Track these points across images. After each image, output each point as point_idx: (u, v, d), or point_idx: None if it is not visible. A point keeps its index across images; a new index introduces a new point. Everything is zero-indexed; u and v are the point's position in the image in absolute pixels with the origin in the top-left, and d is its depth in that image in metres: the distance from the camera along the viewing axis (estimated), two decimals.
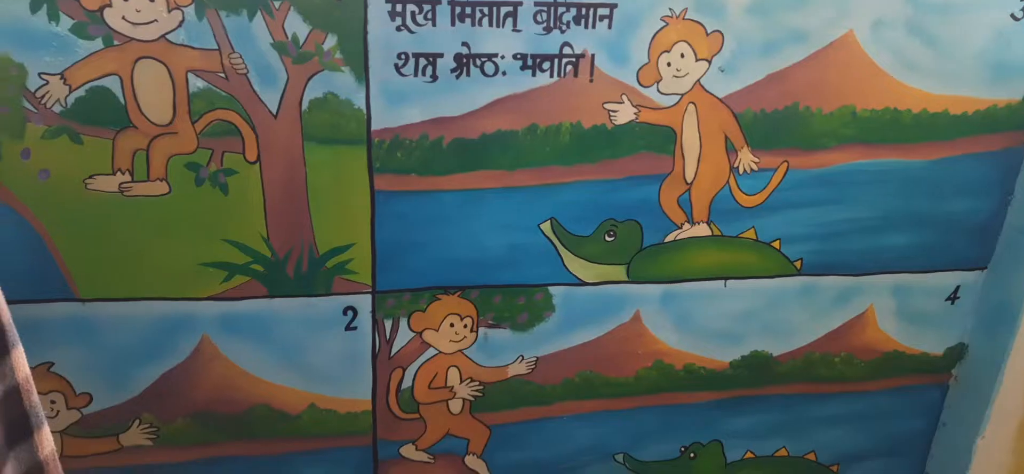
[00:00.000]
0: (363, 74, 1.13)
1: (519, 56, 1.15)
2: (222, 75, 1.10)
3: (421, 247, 1.25)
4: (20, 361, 0.74)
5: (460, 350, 1.34)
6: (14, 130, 1.07)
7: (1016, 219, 1.40)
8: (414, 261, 1.26)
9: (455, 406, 1.38)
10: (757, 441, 1.54)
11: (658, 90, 1.21)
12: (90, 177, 1.11)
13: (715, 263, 1.35)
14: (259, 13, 1.07)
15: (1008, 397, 1.46)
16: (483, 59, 1.15)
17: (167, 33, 1.06)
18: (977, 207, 1.40)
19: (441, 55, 1.14)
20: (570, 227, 1.28)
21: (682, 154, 1.26)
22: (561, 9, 1.14)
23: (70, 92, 1.07)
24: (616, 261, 1.32)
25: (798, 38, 1.22)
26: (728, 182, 1.29)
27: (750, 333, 1.43)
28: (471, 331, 1.33)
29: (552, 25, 1.14)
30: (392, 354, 1.32)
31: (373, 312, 1.28)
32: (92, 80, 1.07)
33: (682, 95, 1.22)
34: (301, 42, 1.10)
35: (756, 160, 1.29)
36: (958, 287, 1.47)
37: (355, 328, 1.28)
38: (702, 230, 1.32)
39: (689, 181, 1.28)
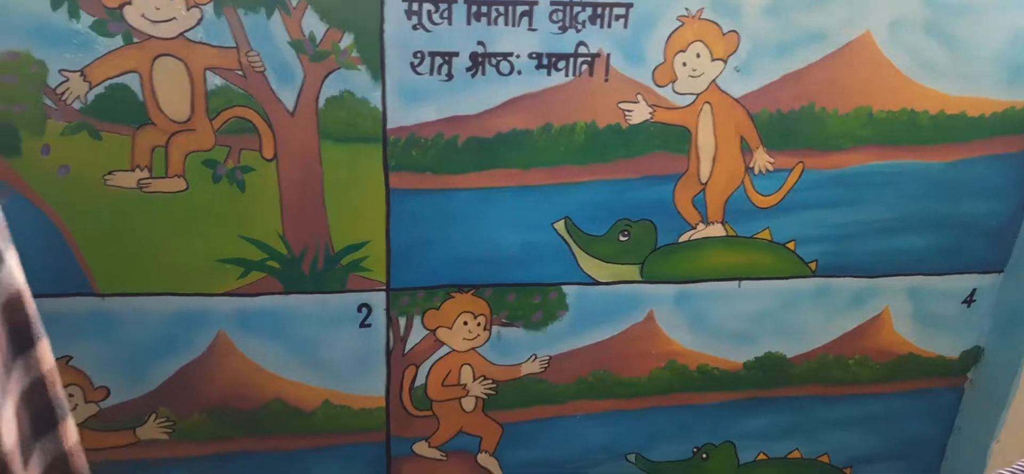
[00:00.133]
0: (379, 72, 1.13)
1: (534, 55, 1.16)
2: (240, 73, 1.10)
3: (436, 245, 1.25)
4: (46, 353, 0.75)
5: (473, 348, 1.35)
6: (34, 126, 1.08)
7: None
8: (428, 259, 1.26)
9: (468, 404, 1.39)
10: (770, 443, 1.53)
11: (673, 90, 1.21)
12: (109, 173, 1.13)
13: (729, 263, 1.35)
14: (277, 11, 1.08)
15: None
16: (498, 58, 1.15)
17: (186, 31, 1.07)
18: (994, 209, 1.39)
19: (457, 54, 1.14)
20: (584, 226, 1.28)
21: (697, 154, 1.26)
22: (577, 8, 1.14)
23: (90, 89, 1.08)
24: (630, 261, 1.32)
25: (814, 38, 1.21)
26: (743, 182, 1.29)
27: (764, 334, 1.42)
28: (485, 329, 1.33)
29: (568, 24, 1.15)
30: (406, 351, 1.32)
31: (387, 309, 1.28)
32: (111, 77, 1.08)
33: (697, 95, 1.22)
34: (318, 40, 1.10)
35: (771, 161, 1.28)
36: (974, 290, 1.46)
37: (369, 325, 1.29)
38: (717, 230, 1.32)
39: (704, 181, 1.28)
